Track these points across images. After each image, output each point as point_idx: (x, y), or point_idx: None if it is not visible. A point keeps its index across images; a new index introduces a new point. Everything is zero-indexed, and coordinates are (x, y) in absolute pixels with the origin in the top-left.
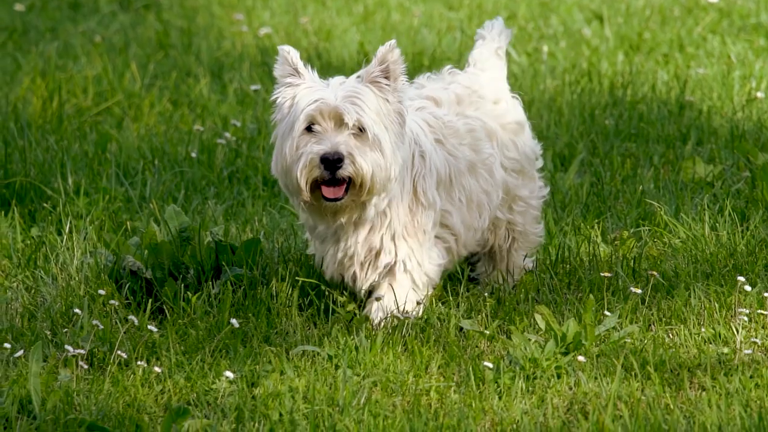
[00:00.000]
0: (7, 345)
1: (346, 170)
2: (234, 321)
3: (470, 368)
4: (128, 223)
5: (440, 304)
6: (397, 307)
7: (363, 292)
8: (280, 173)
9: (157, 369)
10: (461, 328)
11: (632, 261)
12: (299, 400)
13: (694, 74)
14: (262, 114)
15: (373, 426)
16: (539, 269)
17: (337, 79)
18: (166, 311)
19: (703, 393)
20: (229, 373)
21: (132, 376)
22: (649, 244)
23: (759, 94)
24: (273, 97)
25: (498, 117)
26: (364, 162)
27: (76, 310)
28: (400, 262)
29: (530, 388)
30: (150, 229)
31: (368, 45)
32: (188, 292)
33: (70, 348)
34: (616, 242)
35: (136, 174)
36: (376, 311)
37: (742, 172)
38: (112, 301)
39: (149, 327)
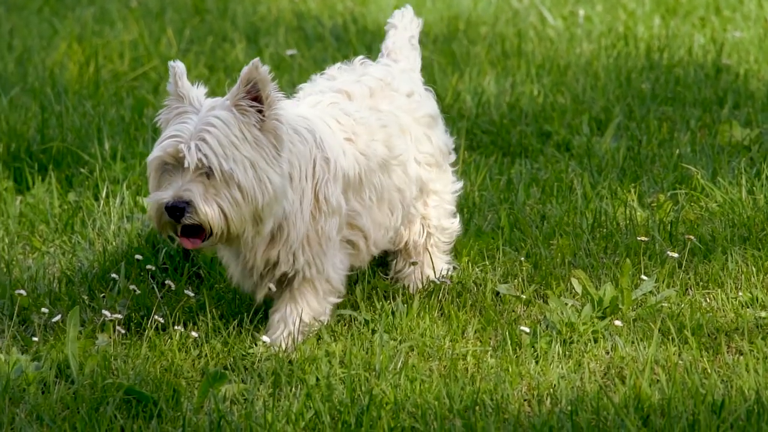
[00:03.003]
0: (44, 310)
1: (190, 219)
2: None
3: (507, 333)
4: None
5: (476, 269)
6: (301, 318)
7: (259, 301)
8: None
9: (194, 334)
10: (498, 293)
11: (669, 225)
12: (336, 365)
13: (730, 37)
14: (298, 79)
15: (409, 390)
16: (575, 233)
17: (207, 104)
18: (203, 276)
19: (741, 357)
20: (265, 338)
21: (169, 340)
22: (685, 208)
23: None
24: (156, 119)
25: (412, 111)
26: (208, 208)
27: (113, 275)
28: (300, 270)
29: (567, 353)
30: None
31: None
32: None
33: (107, 313)
34: (652, 206)
35: None
36: (277, 323)
37: None
38: (149, 266)
39: (186, 292)
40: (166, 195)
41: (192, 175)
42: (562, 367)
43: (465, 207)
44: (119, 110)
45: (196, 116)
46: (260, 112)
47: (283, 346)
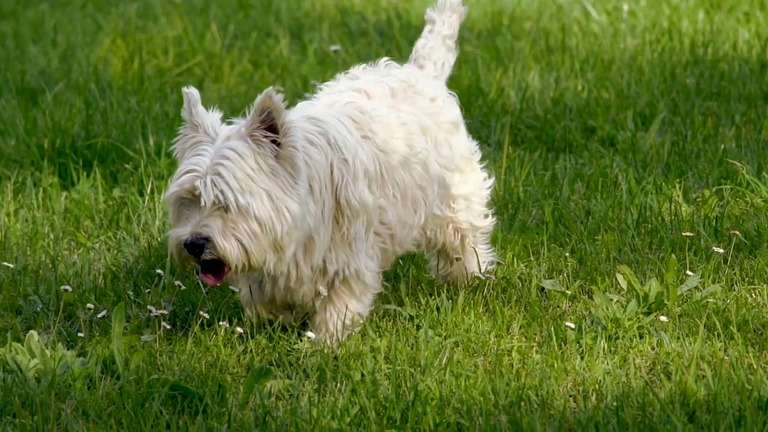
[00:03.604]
0: (90, 305)
1: (210, 255)
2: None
3: (552, 328)
4: None
5: (521, 265)
6: (343, 319)
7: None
8: None
9: (239, 329)
10: (542, 288)
11: (714, 220)
12: (381, 361)
13: None
14: None
15: (454, 386)
16: (620, 228)
17: (222, 133)
18: None
19: None
20: (311, 334)
21: (214, 336)
22: (730, 204)
23: None
24: (171, 148)
25: (433, 115)
26: (227, 243)
27: (159, 271)
28: (341, 272)
29: (612, 349)
30: None
31: None
32: None
33: (152, 308)
34: (697, 202)
35: None
36: (319, 326)
37: None
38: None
39: (231, 287)
40: (185, 232)
41: (209, 210)
42: (607, 363)
43: (509, 202)
44: (163, 106)
45: (211, 147)
46: (275, 141)
47: (328, 343)
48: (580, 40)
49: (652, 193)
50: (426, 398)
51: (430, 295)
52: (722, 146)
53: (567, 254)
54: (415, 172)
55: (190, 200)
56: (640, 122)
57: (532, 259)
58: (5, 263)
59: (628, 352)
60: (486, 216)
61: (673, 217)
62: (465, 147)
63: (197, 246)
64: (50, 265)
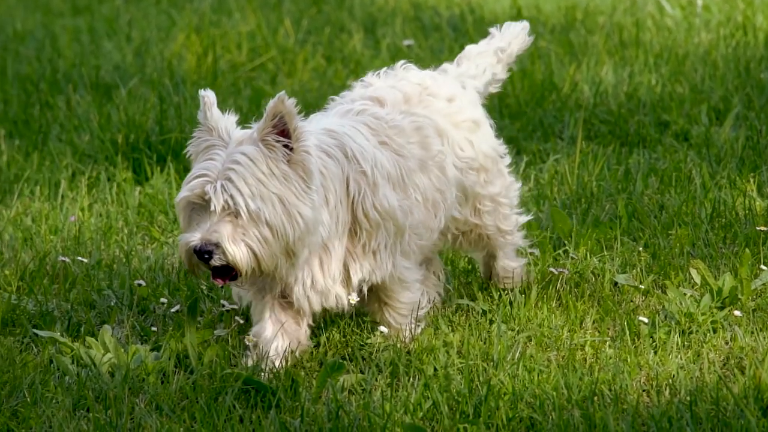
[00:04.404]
0: (163, 300)
1: (219, 261)
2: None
3: (625, 323)
4: None
5: (594, 259)
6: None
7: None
8: None
9: (311, 323)
10: (616, 283)
11: None
12: (454, 355)
13: None
14: None
15: (527, 381)
16: (694, 222)
17: (235, 138)
18: None
19: None
20: (383, 328)
21: None
22: None
23: None
24: (185, 150)
25: (450, 115)
26: (236, 249)
27: None
28: (367, 281)
29: (686, 343)
30: None
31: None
32: None
33: (225, 303)
34: None
35: None
36: (381, 329)
37: None
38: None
39: None
40: (194, 237)
41: (219, 215)
42: (681, 358)
43: (583, 197)
44: (237, 101)
45: (224, 151)
46: (287, 146)
47: (400, 337)
48: (654, 35)
49: (726, 187)
50: (499, 393)
51: (503, 289)
52: None
53: (640, 249)
54: (433, 175)
55: (200, 205)
56: (714, 117)
57: (606, 253)
58: (80, 258)
59: (702, 347)
60: (512, 219)
61: (747, 212)
62: (489, 146)
63: (206, 252)
64: (124, 260)
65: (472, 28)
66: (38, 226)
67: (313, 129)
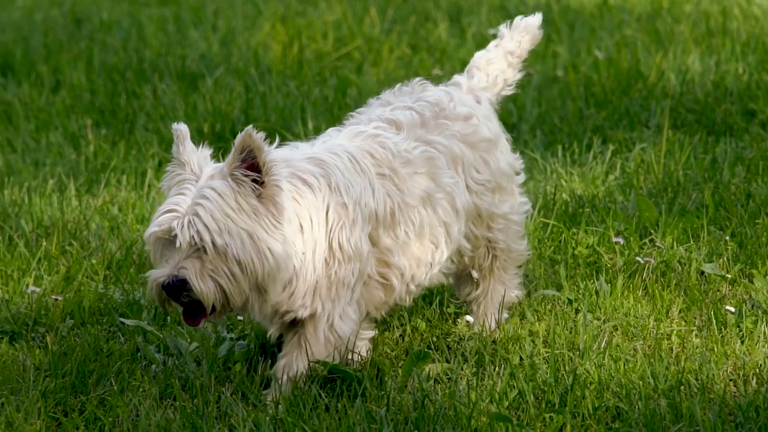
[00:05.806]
0: None
1: (188, 297)
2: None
3: (712, 312)
4: None
5: (681, 248)
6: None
7: (272, 337)
8: None
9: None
10: (702, 272)
11: None
12: (539, 344)
13: None
14: None
15: (614, 370)
16: None
17: (206, 172)
18: None
19: None
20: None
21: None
22: None
23: None
24: (160, 185)
25: (467, 136)
26: (203, 286)
27: None
28: (315, 316)
29: None
30: None
31: None
32: None
33: None
34: None
35: None
36: (282, 368)
37: None
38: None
39: None
40: (163, 274)
41: (187, 252)
42: None
43: (669, 186)
44: (323, 90)
45: (194, 186)
46: (257, 180)
47: (274, 397)
48: (741, 23)
49: None
50: (585, 382)
51: (589, 279)
52: None
53: (727, 238)
54: (440, 208)
55: (169, 240)
56: None
57: (692, 242)
58: None
59: None
60: (522, 238)
61: None
62: (506, 163)
63: (174, 288)
64: None
65: (558, 17)
66: (125, 215)
67: (296, 156)
